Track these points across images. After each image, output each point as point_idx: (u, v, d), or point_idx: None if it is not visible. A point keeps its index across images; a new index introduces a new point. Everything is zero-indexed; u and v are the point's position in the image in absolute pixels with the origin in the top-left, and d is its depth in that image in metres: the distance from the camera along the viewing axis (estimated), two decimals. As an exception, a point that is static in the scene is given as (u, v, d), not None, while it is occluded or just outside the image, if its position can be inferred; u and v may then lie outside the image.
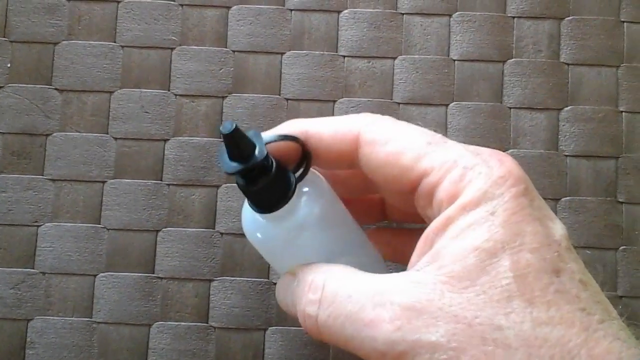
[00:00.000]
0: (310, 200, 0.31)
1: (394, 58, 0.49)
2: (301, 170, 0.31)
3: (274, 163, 0.30)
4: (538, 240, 0.24)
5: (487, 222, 0.24)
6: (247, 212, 0.33)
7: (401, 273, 0.26)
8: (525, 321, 0.22)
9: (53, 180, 0.48)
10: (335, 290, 0.27)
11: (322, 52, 0.49)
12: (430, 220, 0.27)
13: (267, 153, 0.29)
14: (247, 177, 0.29)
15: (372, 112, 0.47)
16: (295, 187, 0.31)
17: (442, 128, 0.48)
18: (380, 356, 0.23)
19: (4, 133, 0.48)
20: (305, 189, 0.31)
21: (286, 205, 0.30)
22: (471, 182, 0.26)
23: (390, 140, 0.29)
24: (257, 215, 0.32)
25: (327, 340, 0.27)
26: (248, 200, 0.32)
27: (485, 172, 0.26)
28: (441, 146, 0.28)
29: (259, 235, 0.33)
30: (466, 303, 0.23)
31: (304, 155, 0.31)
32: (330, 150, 0.31)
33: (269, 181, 0.29)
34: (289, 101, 0.48)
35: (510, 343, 0.22)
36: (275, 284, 0.47)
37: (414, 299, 0.24)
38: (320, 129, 0.31)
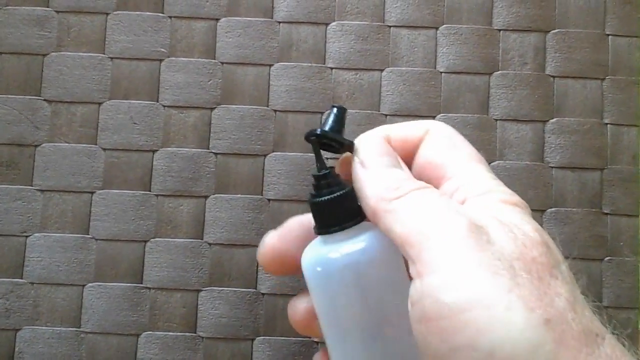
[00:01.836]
0: (377, 237, 0.29)
1: (381, 70, 0.49)
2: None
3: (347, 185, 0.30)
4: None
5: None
6: (310, 250, 0.31)
7: None
8: None
9: (42, 190, 0.48)
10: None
11: (310, 64, 0.49)
12: None
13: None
14: (323, 184, 0.30)
15: (359, 124, 0.47)
16: (364, 216, 0.30)
17: (429, 140, 0.49)
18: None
19: (-7, 144, 0.48)
20: (375, 231, 0.30)
21: (352, 230, 0.29)
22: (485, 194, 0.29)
23: (449, 138, 0.32)
24: (320, 247, 0.30)
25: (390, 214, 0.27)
26: (318, 216, 0.31)
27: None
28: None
29: (319, 269, 0.30)
30: (534, 245, 0.26)
31: None
32: (404, 135, 0.32)
33: (345, 192, 0.29)
34: (277, 112, 0.49)
35: None
36: (263, 294, 0.47)
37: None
38: (398, 127, 0.33)
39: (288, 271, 0.34)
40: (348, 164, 0.31)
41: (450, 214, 0.26)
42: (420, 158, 0.32)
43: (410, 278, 0.26)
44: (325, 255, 0.30)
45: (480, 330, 0.23)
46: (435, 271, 0.24)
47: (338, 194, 0.30)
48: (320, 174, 0.30)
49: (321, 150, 0.31)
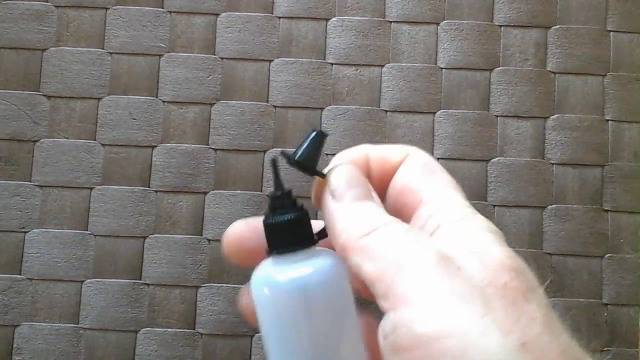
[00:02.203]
0: (328, 263, 0.30)
1: (382, 66, 0.49)
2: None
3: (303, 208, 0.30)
4: None
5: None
6: (259, 270, 0.31)
7: None
8: None
9: (40, 186, 0.48)
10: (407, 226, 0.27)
11: (310, 60, 0.49)
12: None
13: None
14: (278, 205, 0.30)
15: (360, 119, 0.47)
16: (318, 239, 0.30)
17: (429, 136, 0.48)
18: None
19: (-9, 139, 0.48)
20: (326, 255, 0.30)
21: (304, 253, 0.29)
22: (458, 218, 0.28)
23: (426, 166, 0.31)
24: (270, 267, 0.30)
25: (359, 253, 0.27)
26: (271, 237, 0.31)
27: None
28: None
29: (266, 290, 0.31)
30: (503, 271, 0.25)
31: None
32: (383, 157, 0.32)
33: (299, 215, 0.29)
34: (277, 108, 0.48)
35: None
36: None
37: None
38: (379, 148, 0.33)
39: (254, 262, 0.34)
40: (320, 190, 0.31)
41: (418, 247, 0.26)
42: (398, 182, 0.32)
43: (377, 313, 0.26)
44: (274, 276, 0.30)
45: (456, 358, 0.23)
46: (408, 303, 0.24)
47: (291, 216, 0.30)
48: (276, 195, 0.30)
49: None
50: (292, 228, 0.30)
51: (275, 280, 0.30)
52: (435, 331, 0.23)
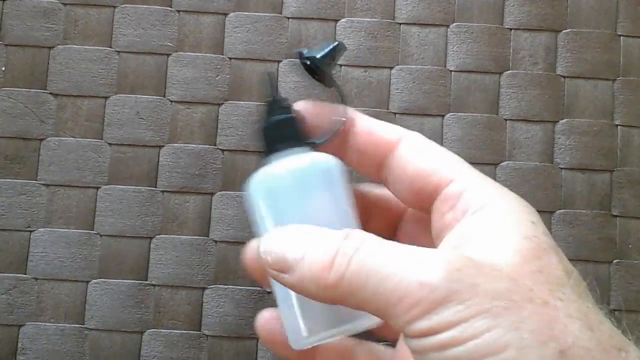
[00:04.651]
0: (325, 157, 0.30)
1: (391, 68, 0.49)
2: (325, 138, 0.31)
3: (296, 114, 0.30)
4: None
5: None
6: (255, 174, 0.31)
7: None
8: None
9: (46, 185, 0.48)
10: (380, 240, 0.26)
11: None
12: (445, 224, 0.28)
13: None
14: (275, 108, 0.30)
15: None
16: (315, 144, 0.30)
17: (438, 139, 0.48)
18: (415, 302, 0.23)
19: (-3, 137, 0.48)
20: (323, 154, 0.31)
21: (299, 151, 0.29)
22: (502, 197, 0.28)
23: (430, 144, 0.31)
24: (265, 167, 0.30)
25: (342, 295, 0.25)
26: (266, 140, 0.31)
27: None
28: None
29: (261, 184, 0.30)
30: (523, 274, 0.24)
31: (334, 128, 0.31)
32: (372, 132, 0.32)
33: (294, 117, 0.30)
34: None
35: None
36: (269, 293, 0.46)
37: (475, 256, 0.25)
38: (370, 120, 0.33)
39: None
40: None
41: (425, 266, 0.24)
42: (407, 165, 0.31)
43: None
44: (270, 169, 0.30)
45: None
46: (435, 331, 0.23)
47: (286, 117, 0.30)
48: (271, 100, 0.30)
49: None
50: (287, 128, 0.30)
51: (272, 171, 0.30)
52: (469, 354, 0.23)
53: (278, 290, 0.30)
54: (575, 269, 0.27)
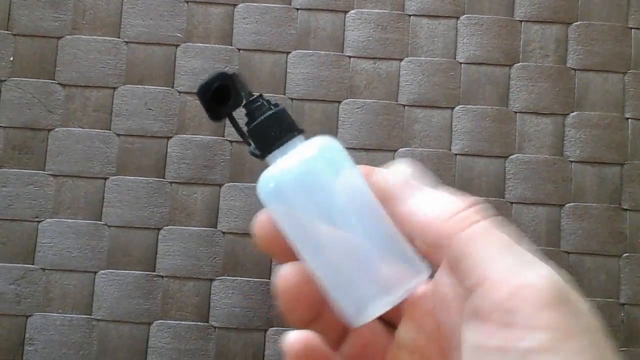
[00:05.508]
0: (324, 138, 0.29)
1: (400, 60, 0.49)
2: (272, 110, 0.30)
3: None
4: None
5: None
6: (260, 177, 0.31)
7: None
8: None
9: (54, 175, 0.47)
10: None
11: (327, 52, 0.49)
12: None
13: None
14: (256, 108, 0.29)
15: (377, 113, 0.47)
16: (301, 130, 0.29)
17: (447, 131, 0.48)
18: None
19: (5, 127, 0.48)
20: (316, 140, 0.30)
21: (295, 144, 0.29)
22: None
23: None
24: (269, 168, 0.30)
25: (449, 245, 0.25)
26: (259, 140, 0.30)
27: None
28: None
29: (271, 185, 0.29)
30: None
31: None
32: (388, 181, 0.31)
33: (278, 110, 0.29)
34: (294, 101, 0.48)
35: None
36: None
37: None
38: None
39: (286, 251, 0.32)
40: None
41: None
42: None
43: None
44: (275, 170, 0.30)
45: None
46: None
47: (275, 110, 0.30)
48: (249, 101, 0.30)
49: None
50: (275, 123, 0.29)
51: (278, 172, 0.29)
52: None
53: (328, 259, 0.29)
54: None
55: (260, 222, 0.33)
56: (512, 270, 0.23)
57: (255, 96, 0.30)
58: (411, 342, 0.31)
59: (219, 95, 0.29)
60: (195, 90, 0.29)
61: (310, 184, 0.29)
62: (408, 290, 0.29)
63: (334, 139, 0.30)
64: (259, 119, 0.29)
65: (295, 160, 0.29)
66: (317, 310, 0.30)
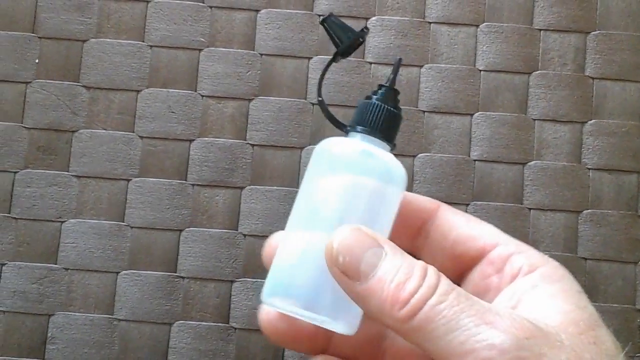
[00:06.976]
0: (400, 165, 0.29)
1: (420, 66, 0.49)
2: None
3: None
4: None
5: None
6: (344, 140, 0.31)
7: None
8: None
9: (78, 176, 0.48)
10: (453, 286, 0.26)
11: (349, 58, 0.49)
12: (490, 286, 0.29)
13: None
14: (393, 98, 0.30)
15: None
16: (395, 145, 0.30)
17: (467, 137, 0.48)
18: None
19: (30, 128, 0.48)
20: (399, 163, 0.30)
21: (382, 147, 0.29)
22: (548, 262, 0.28)
23: (464, 213, 0.31)
24: (358, 141, 0.30)
25: (405, 329, 0.25)
26: (374, 117, 0.30)
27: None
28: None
29: (334, 149, 0.30)
30: (581, 346, 0.24)
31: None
32: (410, 202, 0.32)
33: (400, 116, 0.29)
34: (315, 106, 0.49)
35: None
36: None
37: (538, 323, 0.25)
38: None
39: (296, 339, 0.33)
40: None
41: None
42: (452, 232, 0.31)
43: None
44: (358, 148, 0.29)
45: None
46: None
47: (397, 112, 0.30)
48: (393, 89, 0.31)
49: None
50: (392, 123, 0.30)
51: (362, 151, 0.29)
52: None
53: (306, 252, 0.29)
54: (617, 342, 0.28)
55: (266, 319, 0.33)
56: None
57: (396, 90, 0.30)
58: None
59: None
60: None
61: (358, 185, 0.30)
62: (323, 323, 0.28)
63: (405, 175, 0.29)
64: (385, 107, 0.30)
65: (379, 158, 0.30)
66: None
